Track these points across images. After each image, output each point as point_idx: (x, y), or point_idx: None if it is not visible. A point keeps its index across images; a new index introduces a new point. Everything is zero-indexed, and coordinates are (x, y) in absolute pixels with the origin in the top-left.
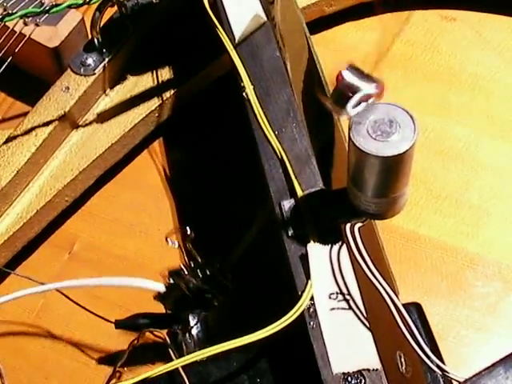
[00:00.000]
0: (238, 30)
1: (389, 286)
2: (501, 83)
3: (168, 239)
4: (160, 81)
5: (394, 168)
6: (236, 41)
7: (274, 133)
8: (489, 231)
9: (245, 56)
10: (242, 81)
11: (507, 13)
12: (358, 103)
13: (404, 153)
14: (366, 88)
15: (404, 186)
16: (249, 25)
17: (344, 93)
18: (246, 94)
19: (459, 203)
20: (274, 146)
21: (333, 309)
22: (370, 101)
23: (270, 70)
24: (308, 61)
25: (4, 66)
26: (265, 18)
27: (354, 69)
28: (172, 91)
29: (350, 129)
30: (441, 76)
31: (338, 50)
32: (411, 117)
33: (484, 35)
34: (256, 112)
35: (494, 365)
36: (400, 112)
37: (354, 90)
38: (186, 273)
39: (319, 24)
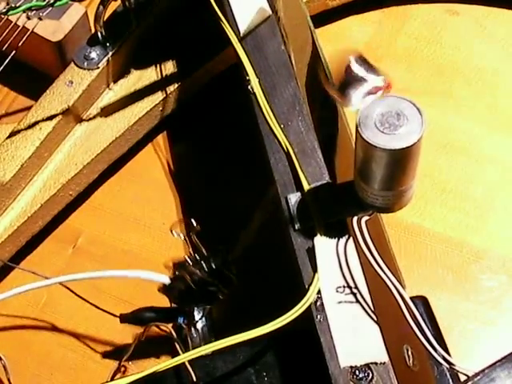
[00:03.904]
0: (243, 24)
1: (396, 279)
2: (505, 76)
3: (173, 231)
4: (164, 75)
5: (401, 161)
6: (241, 34)
7: (280, 126)
8: (493, 225)
9: (250, 49)
10: (248, 74)
11: (511, 6)
12: (366, 95)
13: (412, 146)
14: (374, 80)
15: (411, 179)
16: (254, 18)
17: (352, 84)
18: (252, 87)
19: (464, 196)
20: (280, 140)
21: (340, 302)
22: (378, 93)
23: (275, 64)
24: (312, 54)
25: (7, 60)
26: (270, 12)
27: (362, 60)
28: (176, 85)
29: (357, 122)
30: (445, 69)
31: (342, 44)
32: (419, 110)
33: (488, 29)
34: (262, 105)
35: (505, 357)
36: (407, 105)
37: (362, 81)
38: (191, 265)
39: (323, 17)
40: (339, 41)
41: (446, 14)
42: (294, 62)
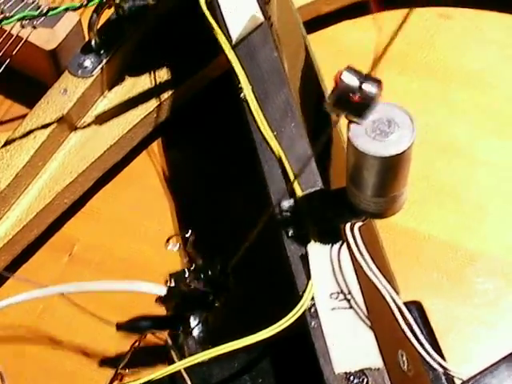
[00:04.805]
0: (235, 31)
1: (389, 284)
2: (500, 79)
3: (169, 242)
4: (158, 82)
5: (392, 168)
6: (233, 42)
7: (273, 133)
8: (489, 227)
9: (242, 57)
10: (240, 82)
11: (505, 10)
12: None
13: (403, 153)
14: (367, 89)
15: (403, 186)
16: (246, 25)
17: (343, 94)
18: (244, 95)
19: (459, 200)
20: (273, 147)
21: (334, 308)
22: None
23: (267, 71)
24: (305, 60)
25: (1, 69)
26: (262, 19)
27: (352, 70)
28: (170, 92)
29: (348, 129)
30: (438, 73)
31: (335, 49)
32: (409, 116)
33: (482, 32)
34: (254, 113)
35: (496, 363)
36: (398, 111)
37: (354, 91)
38: (187, 275)
39: (316, 23)
40: (332, 46)
41: (439, 17)
42: (287, 67)
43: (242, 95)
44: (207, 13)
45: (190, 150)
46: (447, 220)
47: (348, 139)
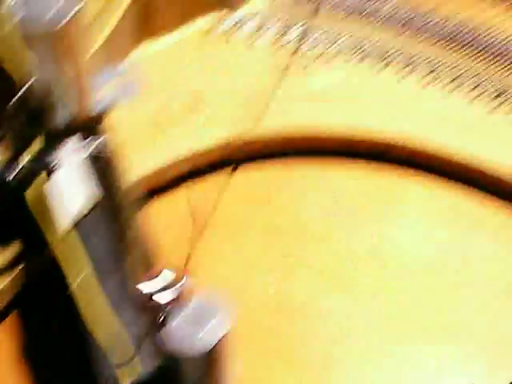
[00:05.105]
0: (69, 216)
1: None
2: (336, 232)
3: None
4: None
5: (213, 360)
6: (66, 226)
7: (109, 315)
8: (338, 377)
9: (77, 238)
10: (70, 273)
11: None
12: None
13: (212, 351)
14: (169, 293)
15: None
16: (80, 207)
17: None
18: (75, 285)
19: (300, 357)
20: (107, 331)
21: None
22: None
23: (103, 251)
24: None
25: None
26: (97, 199)
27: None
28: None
29: (160, 330)
30: (279, 230)
31: (176, 217)
32: (224, 307)
33: (321, 185)
34: (84, 305)
35: None
36: (212, 306)
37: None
38: None
39: (158, 189)
40: (173, 214)
41: (276, 171)
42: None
43: (71, 287)
44: (31, 209)
45: (45, 326)
46: (294, 377)
47: (160, 340)
